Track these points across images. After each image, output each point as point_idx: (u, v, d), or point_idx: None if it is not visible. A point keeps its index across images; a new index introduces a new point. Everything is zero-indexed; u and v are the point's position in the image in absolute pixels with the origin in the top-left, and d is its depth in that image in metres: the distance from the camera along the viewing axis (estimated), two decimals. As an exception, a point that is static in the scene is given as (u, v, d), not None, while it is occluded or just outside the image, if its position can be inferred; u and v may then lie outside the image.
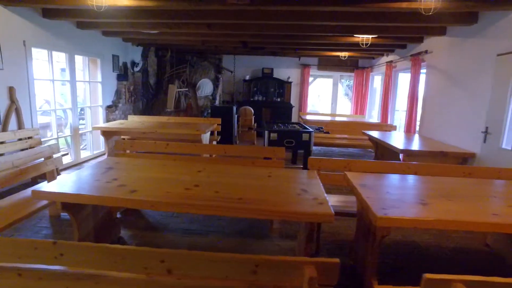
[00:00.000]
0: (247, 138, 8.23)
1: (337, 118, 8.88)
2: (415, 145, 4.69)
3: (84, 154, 6.22)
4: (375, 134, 5.76)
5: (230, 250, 3.02)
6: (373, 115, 9.70)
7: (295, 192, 2.29)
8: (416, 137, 5.54)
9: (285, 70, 9.96)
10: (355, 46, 6.91)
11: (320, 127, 6.17)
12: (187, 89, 8.16)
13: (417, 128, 6.26)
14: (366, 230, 2.46)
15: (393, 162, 3.32)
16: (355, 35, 5.67)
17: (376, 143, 6.11)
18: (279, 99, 9.78)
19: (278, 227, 3.48)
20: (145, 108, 7.99)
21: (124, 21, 5.02)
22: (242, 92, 9.82)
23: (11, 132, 4.35)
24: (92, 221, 2.72)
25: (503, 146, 3.89)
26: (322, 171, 3.28)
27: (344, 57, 8.19)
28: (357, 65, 9.89)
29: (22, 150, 4.14)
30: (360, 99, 9.88)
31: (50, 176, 3.51)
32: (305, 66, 9.78)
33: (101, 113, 6.59)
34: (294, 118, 10.02)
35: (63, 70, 6.60)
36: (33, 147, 4.62)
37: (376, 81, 9.39)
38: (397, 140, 5.00)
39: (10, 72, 4.42)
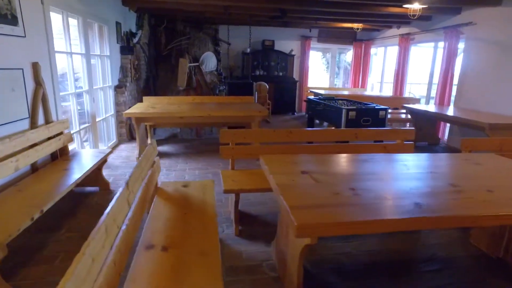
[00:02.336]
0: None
1: (344, 92, 8.66)
2: (491, 118, 4.62)
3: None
4: (425, 108, 5.62)
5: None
6: (374, 88, 9.71)
7: None
8: (462, 109, 5.54)
9: (286, 42, 9.32)
10: (372, 17, 6.61)
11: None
12: (199, 63, 7.09)
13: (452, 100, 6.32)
14: None
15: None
16: (404, 6, 5.35)
17: (415, 116, 6.04)
18: (281, 74, 9.17)
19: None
20: (145, 87, 6.77)
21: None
22: (242, 66, 8.98)
23: (44, 128, 3.16)
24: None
25: None
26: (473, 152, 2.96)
27: (358, 29, 7.86)
28: (355, 38, 9.68)
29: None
30: (358, 72, 9.77)
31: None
32: (306, 38, 9.25)
33: (110, 96, 5.34)
34: (300, 94, 9.57)
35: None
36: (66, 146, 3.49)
37: (379, 54, 9.32)
38: (465, 113, 4.90)
39: (33, 42, 3.17)
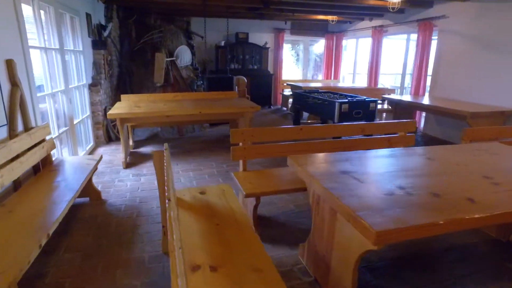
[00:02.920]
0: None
1: (317, 84, 8.73)
2: (470, 107, 4.85)
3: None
4: (408, 98, 5.79)
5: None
6: (345, 80, 9.91)
7: None
8: (438, 99, 5.78)
9: (260, 35, 9.17)
10: (348, 9, 6.70)
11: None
12: (174, 58, 6.71)
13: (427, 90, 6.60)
14: None
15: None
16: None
17: (395, 106, 6.24)
18: (256, 67, 9.03)
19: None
20: (119, 84, 6.30)
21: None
22: (216, 60, 8.70)
23: (25, 136, 2.77)
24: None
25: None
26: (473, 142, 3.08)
27: (333, 21, 7.92)
28: (327, 30, 9.77)
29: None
30: (330, 63, 9.90)
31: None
32: (280, 30, 9.17)
33: (85, 95, 4.89)
34: (276, 87, 9.50)
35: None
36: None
37: (351, 46, 9.49)
38: (441, 102, 5.11)
39: (4, 37, 2.75)
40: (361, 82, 10.22)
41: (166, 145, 2.28)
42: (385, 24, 7.53)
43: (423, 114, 6.69)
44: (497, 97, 5.16)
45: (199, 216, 2.05)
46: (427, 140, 6.04)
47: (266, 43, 8.96)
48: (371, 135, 3.35)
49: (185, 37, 7.83)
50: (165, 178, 1.82)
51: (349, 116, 4.53)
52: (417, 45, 6.55)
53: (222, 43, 8.51)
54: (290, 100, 8.88)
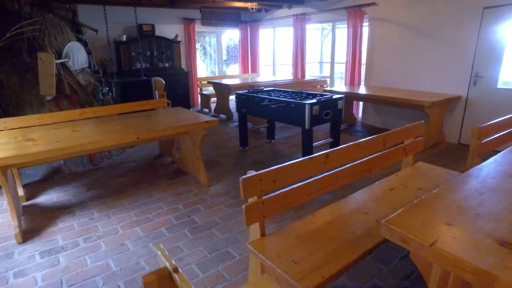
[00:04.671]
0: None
1: (236, 80, 7.90)
2: (420, 96, 4.73)
3: None
4: (358, 90, 5.47)
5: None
6: (263, 72, 9.33)
7: None
8: (376, 87, 5.64)
9: (168, 26, 7.74)
10: None
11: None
12: (67, 59, 4.83)
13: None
14: None
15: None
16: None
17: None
18: (168, 65, 7.62)
19: None
20: (-21, 102, 4.21)
21: None
22: (117, 59, 6.96)
23: None
24: None
25: (499, 86, 4.54)
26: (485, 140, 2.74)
27: (253, 9, 7.12)
28: (240, 20, 8.94)
29: None
30: (247, 56, 9.16)
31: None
32: (190, 21, 7.91)
33: None
34: (193, 86, 8.24)
35: None
36: None
37: (268, 36, 8.88)
38: (398, 93, 4.90)
39: None
40: (283, 73, 9.84)
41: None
42: (308, 12, 7.13)
43: (361, 104, 6.57)
44: (433, 84, 5.23)
45: None
46: (369, 129, 5.90)
47: (176, 35, 7.62)
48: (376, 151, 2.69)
49: (72, 30, 5.94)
50: None
51: (319, 119, 3.84)
52: (348, 34, 6.31)
53: (124, 38, 6.83)
54: (213, 99, 7.84)
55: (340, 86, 7.14)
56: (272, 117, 4.17)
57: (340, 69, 8.25)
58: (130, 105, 4.12)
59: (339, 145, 4.29)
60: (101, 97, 5.24)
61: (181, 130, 3.15)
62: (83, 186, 3.66)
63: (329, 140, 4.26)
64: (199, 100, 8.39)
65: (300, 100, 3.93)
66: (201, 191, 3.48)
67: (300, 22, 7.29)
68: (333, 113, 4.01)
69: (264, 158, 4.50)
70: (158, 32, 7.42)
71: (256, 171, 1.76)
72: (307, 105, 3.66)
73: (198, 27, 8.22)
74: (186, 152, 3.85)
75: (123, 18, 7.02)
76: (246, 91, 4.76)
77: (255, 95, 4.38)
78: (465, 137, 5.00)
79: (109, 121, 3.53)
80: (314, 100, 3.77)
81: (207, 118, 3.42)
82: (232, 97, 9.17)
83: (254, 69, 9.11)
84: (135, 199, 3.34)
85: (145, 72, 7.15)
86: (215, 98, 7.59)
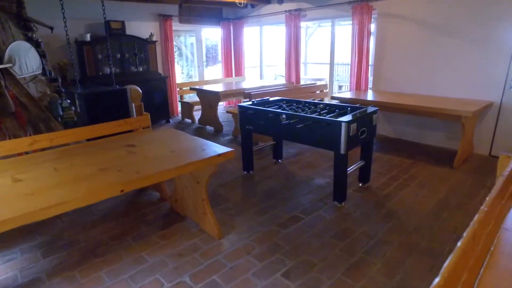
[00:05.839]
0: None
1: (218, 85, 6.93)
2: (446, 103, 4.04)
3: None
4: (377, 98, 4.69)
5: None
6: (247, 75, 8.42)
7: None
8: (389, 93, 4.92)
9: (141, 24, 6.61)
10: None
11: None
12: (11, 64, 3.64)
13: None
14: None
15: None
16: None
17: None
18: (142, 69, 6.49)
19: None
20: None
21: None
22: (80, 63, 5.75)
23: None
24: None
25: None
26: None
27: (241, 4, 6.18)
28: (221, 17, 7.96)
29: None
30: (230, 58, 8.19)
31: None
32: (166, 18, 6.83)
33: None
34: (171, 93, 7.16)
35: None
36: None
37: (254, 35, 7.97)
38: (415, 99, 4.19)
39: None
40: (270, 76, 8.97)
41: None
42: (304, 8, 6.31)
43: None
44: (456, 89, 4.59)
45: None
46: (382, 141, 5.17)
47: (151, 34, 6.51)
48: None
49: (18, 27, 4.70)
50: None
51: (356, 139, 3.01)
52: (353, 32, 5.55)
53: (88, 37, 5.64)
54: (197, 107, 6.83)
55: (340, 90, 6.39)
56: (293, 137, 3.28)
57: (336, 71, 7.53)
58: (103, 127, 3.05)
59: (370, 170, 3.50)
60: (61, 113, 4.08)
61: (187, 171, 2.18)
62: (37, 249, 2.56)
63: (360, 163, 3.43)
64: (180, 109, 7.33)
65: (327, 115, 3.07)
66: (212, 248, 2.51)
67: (294, 19, 6.46)
68: (368, 131, 3.19)
69: (277, 186, 3.60)
70: (129, 31, 6.28)
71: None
72: (343, 124, 2.80)
73: (176, 25, 7.15)
74: (184, 190, 2.86)
75: (86, 13, 5.83)
76: (250, 102, 3.83)
77: (268, 109, 3.45)
78: (498, 148, 4.39)
79: (75, 155, 2.47)
80: (350, 117, 2.92)
81: (219, 148, 2.45)
82: (221, 105, 8.20)
83: (239, 72, 8.16)
84: (118, 268, 2.31)
85: (115, 78, 5.99)
86: (199, 106, 6.59)
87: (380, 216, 2.93)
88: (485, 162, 4.23)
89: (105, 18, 4.29)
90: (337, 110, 3.36)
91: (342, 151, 2.89)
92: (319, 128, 2.99)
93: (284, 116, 3.23)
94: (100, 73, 5.90)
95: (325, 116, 3.11)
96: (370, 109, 3.23)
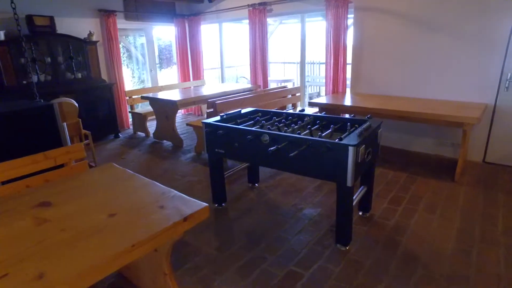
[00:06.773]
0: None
1: (174, 90, 6.02)
2: (434, 106, 3.55)
3: None
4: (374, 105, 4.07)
5: None
6: (206, 78, 7.56)
7: None
8: (369, 95, 4.38)
9: (77, 21, 5.47)
10: None
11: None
12: None
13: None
14: None
15: None
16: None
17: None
18: (81, 75, 5.38)
19: None
20: None
21: None
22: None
23: None
24: None
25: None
26: None
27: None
28: (175, 13, 7.00)
29: None
30: (186, 59, 7.27)
31: None
32: (109, 13, 5.74)
33: None
34: (119, 103, 6.10)
35: None
36: None
37: (213, 32, 7.11)
38: (401, 102, 3.65)
39: None
40: (232, 78, 8.18)
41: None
42: (270, 1, 5.59)
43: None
44: (444, 90, 4.15)
45: None
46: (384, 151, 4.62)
47: (90, 33, 5.41)
48: None
49: None
50: None
51: (363, 165, 2.34)
52: (327, 28, 4.94)
53: (2, 36, 4.45)
54: (151, 117, 5.88)
55: (312, 93, 5.79)
56: (282, 166, 2.52)
57: (306, 71, 6.94)
58: (6, 166, 2.07)
59: (372, 197, 2.87)
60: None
61: (134, 257, 1.33)
62: None
63: (362, 190, 2.78)
64: (130, 121, 6.30)
65: (321, 132, 2.37)
66: None
67: (258, 14, 5.72)
68: (372, 151, 2.54)
69: (260, 223, 2.84)
70: (61, 29, 5.14)
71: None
72: (351, 149, 2.11)
73: (121, 23, 6.09)
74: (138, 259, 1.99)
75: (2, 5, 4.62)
76: (219, 117, 3.02)
77: (245, 128, 2.67)
78: (493, 154, 4.01)
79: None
80: (355, 137, 2.24)
81: (186, 203, 1.63)
82: (180, 111, 7.23)
83: (197, 75, 7.27)
84: None
85: (46, 88, 4.85)
86: (154, 116, 5.64)
87: (399, 262, 2.29)
88: (483, 171, 3.81)
89: (15, 11, 3.22)
90: (332, 126, 2.66)
91: (349, 183, 2.19)
92: (317, 154, 2.27)
93: (267, 138, 2.47)
94: (24, 82, 4.72)
95: (320, 134, 2.40)
96: (374, 122, 2.58)
